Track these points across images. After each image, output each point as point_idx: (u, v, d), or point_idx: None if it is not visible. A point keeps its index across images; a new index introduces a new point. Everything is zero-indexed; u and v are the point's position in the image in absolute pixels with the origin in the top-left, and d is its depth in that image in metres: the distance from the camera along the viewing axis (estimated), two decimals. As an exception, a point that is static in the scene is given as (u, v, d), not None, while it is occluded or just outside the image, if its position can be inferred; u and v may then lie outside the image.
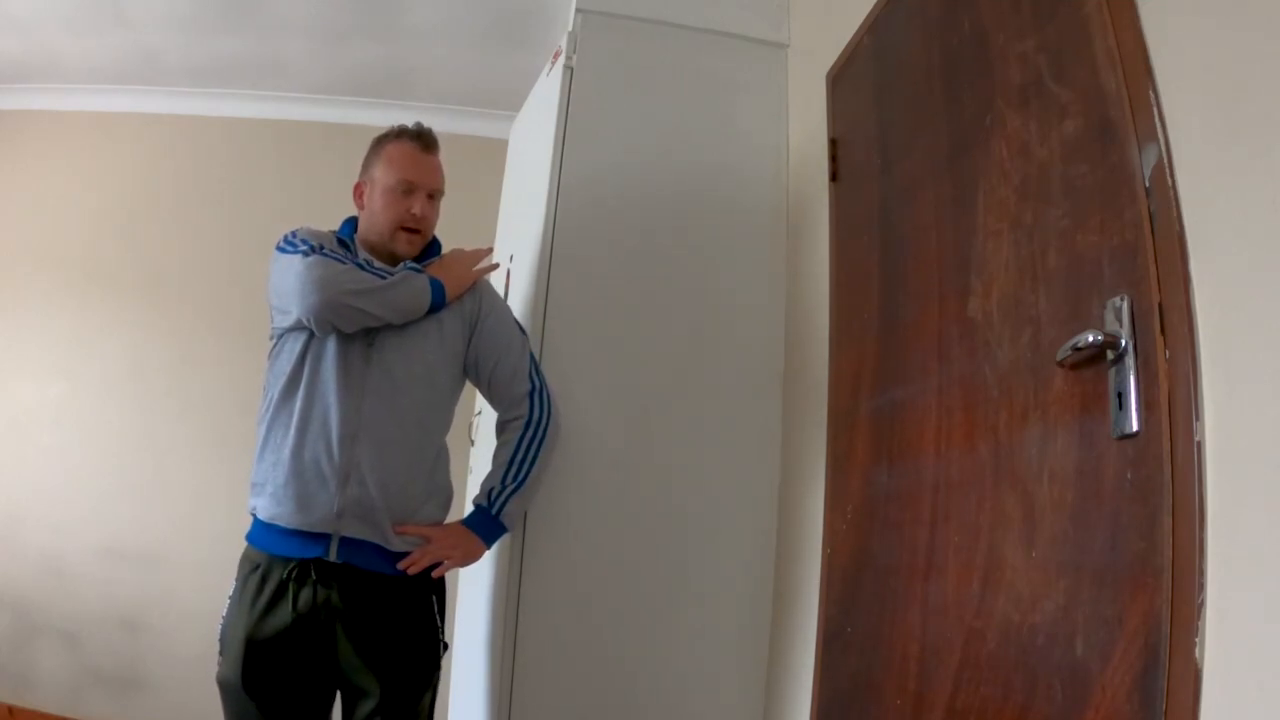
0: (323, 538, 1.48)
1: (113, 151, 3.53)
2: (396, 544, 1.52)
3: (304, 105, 3.53)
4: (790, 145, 2.13)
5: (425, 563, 1.52)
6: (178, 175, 3.50)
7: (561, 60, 2.07)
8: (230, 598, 1.52)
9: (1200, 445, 0.83)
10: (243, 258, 3.31)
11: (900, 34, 1.59)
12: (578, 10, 2.10)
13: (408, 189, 1.62)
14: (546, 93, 2.17)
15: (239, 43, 3.18)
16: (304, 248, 1.54)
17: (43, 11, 3.04)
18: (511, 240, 2.29)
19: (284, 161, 3.49)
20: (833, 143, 1.81)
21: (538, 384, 1.69)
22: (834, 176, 1.79)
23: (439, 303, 1.59)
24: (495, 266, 1.76)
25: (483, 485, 1.64)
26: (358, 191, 1.68)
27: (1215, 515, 0.81)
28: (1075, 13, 1.08)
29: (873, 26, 1.69)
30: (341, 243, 1.64)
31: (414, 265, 1.61)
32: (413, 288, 1.56)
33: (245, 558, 1.54)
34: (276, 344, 1.61)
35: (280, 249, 1.59)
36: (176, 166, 3.51)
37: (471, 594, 2.05)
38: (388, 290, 1.53)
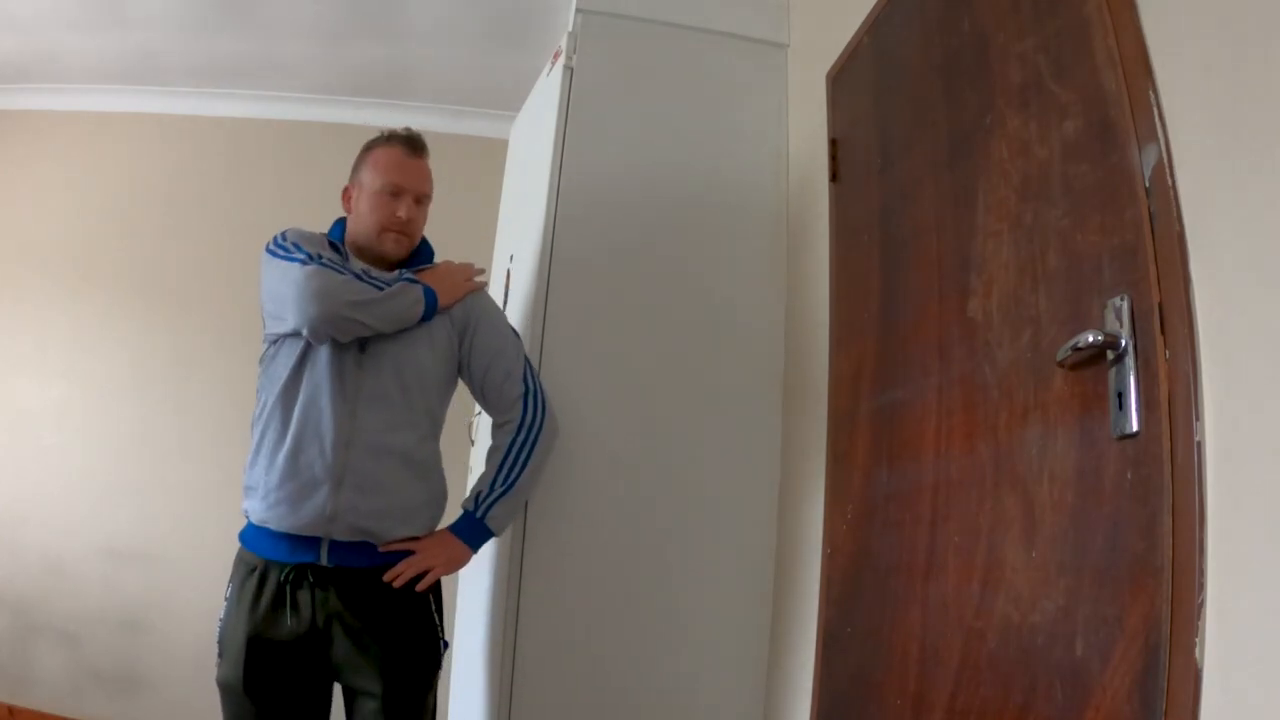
0: (313, 542, 1.49)
1: (112, 151, 3.53)
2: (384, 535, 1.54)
3: (304, 105, 3.52)
4: (790, 145, 2.12)
5: (411, 573, 1.52)
6: (178, 175, 3.49)
7: (561, 60, 2.07)
8: (227, 599, 1.53)
9: (1200, 445, 0.83)
10: (242, 258, 3.29)
11: (900, 34, 1.59)
12: (578, 10, 2.10)
13: (395, 192, 1.63)
14: (546, 93, 2.17)
15: (239, 43, 3.18)
16: (301, 255, 1.53)
17: (43, 11, 3.03)
18: (511, 240, 2.29)
19: (284, 161, 3.49)
20: (833, 143, 1.81)
21: (531, 387, 1.69)
22: (834, 176, 1.79)
23: (431, 312, 1.61)
24: (486, 284, 1.78)
25: (471, 490, 1.64)
26: (346, 195, 1.70)
27: (1215, 515, 0.81)
28: (1075, 13, 1.08)
29: (873, 26, 1.69)
30: (333, 245, 1.65)
31: (410, 276, 1.62)
32: (408, 299, 1.57)
33: (240, 560, 1.55)
34: (270, 349, 1.61)
35: (271, 252, 1.58)
36: (176, 166, 3.50)
37: (472, 594, 2.05)
38: (385, 302, 1.54)
